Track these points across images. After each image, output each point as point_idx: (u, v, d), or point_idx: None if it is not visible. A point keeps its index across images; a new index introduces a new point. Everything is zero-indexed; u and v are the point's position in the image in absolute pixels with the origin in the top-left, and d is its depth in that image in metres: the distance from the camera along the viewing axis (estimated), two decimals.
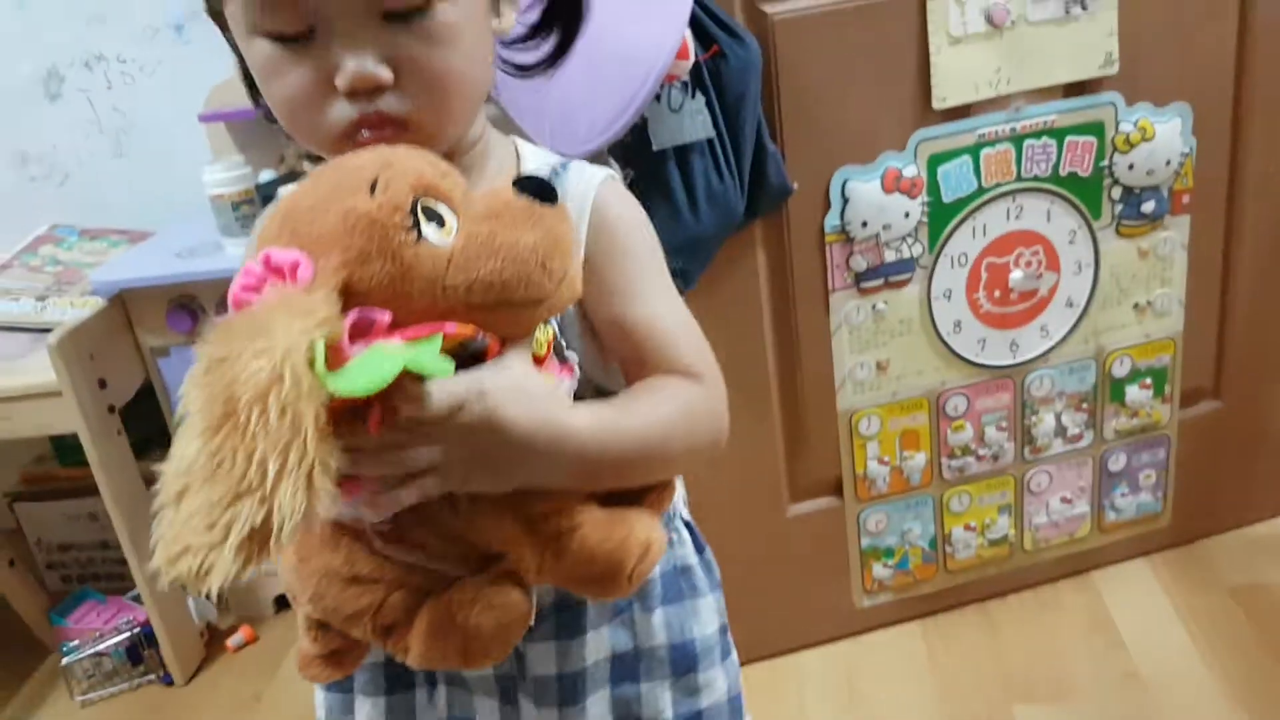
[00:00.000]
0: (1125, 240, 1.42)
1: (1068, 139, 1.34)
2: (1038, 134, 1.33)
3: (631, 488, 0.64)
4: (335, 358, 0.46)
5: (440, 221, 0.52)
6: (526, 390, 0.56)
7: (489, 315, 0.53)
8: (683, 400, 0.64)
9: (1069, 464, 1.53)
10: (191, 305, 1.50)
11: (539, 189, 0.55)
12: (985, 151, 1.32)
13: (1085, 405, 1.50)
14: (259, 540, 0.42)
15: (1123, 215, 1.40)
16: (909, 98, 1.29)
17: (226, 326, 0.46)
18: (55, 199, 1.76)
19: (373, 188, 0.51)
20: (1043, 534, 1.56)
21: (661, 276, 0.68)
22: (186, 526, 0.42)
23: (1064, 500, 1.55)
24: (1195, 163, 1.39)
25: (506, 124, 0.95)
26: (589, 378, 0.66)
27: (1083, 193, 1.37)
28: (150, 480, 1.74)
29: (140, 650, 1.66)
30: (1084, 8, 1.27)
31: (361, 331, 0.50)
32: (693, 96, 1.13)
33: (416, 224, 0.51)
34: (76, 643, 1.65)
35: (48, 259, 1.66)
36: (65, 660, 1.64)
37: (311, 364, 0.44)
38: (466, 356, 0.54)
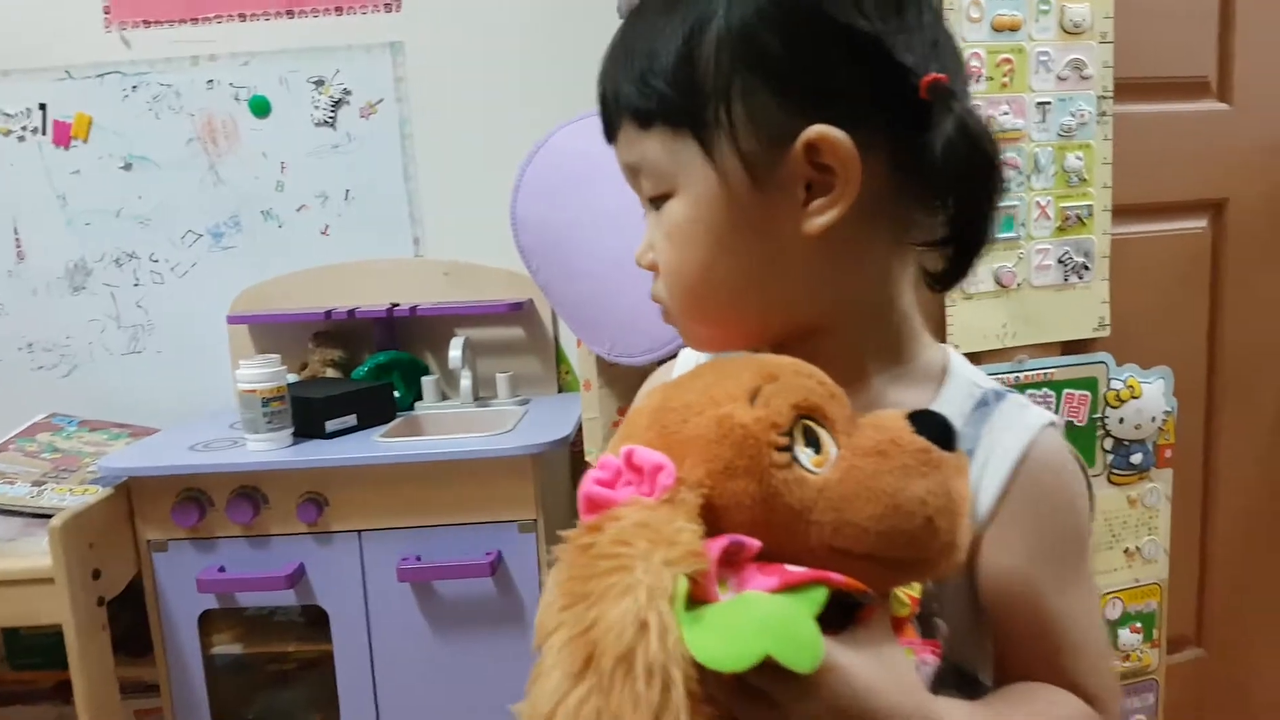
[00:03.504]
0: (1116, 488, 1.51)
1: (1065, 391, 1.46)
2: (1038, 385, 1.45)
3: None
4: (699, 594, 0.41)
5: (818, 448, 0.47)
6: (897, 674, 0.47)
7: (851, 565, 0.45)
8: None
9: None
10: (200, 499, 1.46)
11: (939, 431, 0.48)
12: None
13: None
14: None
15: (1114, 465, 1.50)
16: None
17: (583, 551, 0.42)
18: (57, 389, 1.73)
19: (753, 397, 0.47)
20: None
21: (1086, 566, 0.58)
22: None
23: None
24: (1176, 422, 1.52)
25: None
26: (950, 653, 0.55)
27: (1079, 441, 1.48)
28: (125, 684, 1.60)
29: None
30: (1080, 277, 1.43)
31: (729, 560, 0.44)
32: None
33: (792, 446, 0.46)
34: None
35: (45, 445, 1.61)
36: None
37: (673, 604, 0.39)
38: (833, 611, 0.44)
